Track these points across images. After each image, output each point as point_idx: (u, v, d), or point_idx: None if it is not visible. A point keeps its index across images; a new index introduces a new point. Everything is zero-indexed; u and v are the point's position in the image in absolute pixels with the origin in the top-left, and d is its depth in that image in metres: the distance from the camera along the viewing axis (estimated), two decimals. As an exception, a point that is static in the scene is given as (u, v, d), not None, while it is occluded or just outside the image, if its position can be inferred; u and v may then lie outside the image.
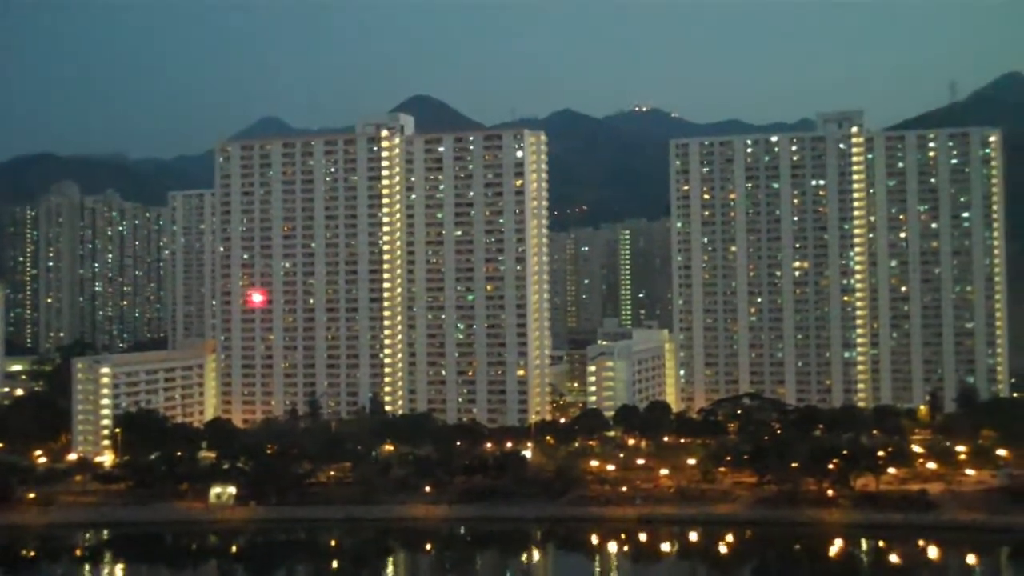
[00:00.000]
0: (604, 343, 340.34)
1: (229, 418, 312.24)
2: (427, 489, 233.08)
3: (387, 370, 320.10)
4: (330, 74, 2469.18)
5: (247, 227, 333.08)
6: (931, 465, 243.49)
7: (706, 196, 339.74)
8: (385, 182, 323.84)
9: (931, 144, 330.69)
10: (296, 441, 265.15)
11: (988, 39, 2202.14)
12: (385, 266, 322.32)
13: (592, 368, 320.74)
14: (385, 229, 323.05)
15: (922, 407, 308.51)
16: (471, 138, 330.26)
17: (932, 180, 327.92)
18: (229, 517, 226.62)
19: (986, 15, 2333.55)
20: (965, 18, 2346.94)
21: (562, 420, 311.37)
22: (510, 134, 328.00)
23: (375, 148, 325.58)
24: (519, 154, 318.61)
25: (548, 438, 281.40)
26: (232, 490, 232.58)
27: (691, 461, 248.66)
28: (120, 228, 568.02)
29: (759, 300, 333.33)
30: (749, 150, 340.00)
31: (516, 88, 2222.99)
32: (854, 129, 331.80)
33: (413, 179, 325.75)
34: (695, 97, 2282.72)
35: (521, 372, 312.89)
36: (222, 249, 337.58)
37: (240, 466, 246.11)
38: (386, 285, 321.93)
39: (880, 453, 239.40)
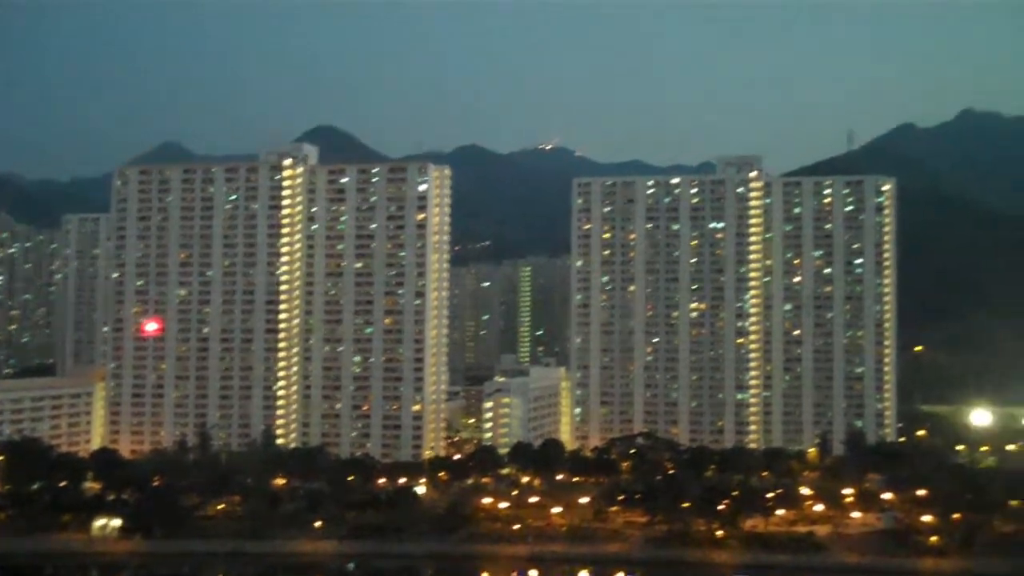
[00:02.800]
0: (501, 379, 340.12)
1: (116, 448, 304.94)
2: (317, 524, 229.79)
3: (281, 402, 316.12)
4: (234, 102, 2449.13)
5: (143, 253, 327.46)
6: (819, 507, 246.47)
7: (607, 235, 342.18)
8: (286, 212, 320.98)
9: (827, 191, 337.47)
10: (185, 473, 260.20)
11: (885, 90, 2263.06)
12: (283, 297, 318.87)
13: (488, 404, 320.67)
14: (284, 259, 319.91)
15: (811, 449, 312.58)
16: (375, 170, 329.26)
17: (827, 226, 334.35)
18: (112, 550, 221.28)
19: (884, 67, 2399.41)
20: (863, 69, 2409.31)
21: (457, 456, 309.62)
22: (414, 167, 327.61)
23: (277, 177, 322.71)
24: (423, 187, 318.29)
25: (442, 474, 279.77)
26: (117, 522, 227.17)
27: (584, 500, 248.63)
28: (11, 250, 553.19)
29: (656, 340, 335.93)
30: (650, 191, 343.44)
31: (422, 122, 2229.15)
32: (753, 174, 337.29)
33: (315, 209, 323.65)
34: (599, 137, 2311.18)
35: (417, 407, 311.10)
36: (116, 275, 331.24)
37: (126, 498, 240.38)
38: (283, 316, 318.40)
39: (769, 494, 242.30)
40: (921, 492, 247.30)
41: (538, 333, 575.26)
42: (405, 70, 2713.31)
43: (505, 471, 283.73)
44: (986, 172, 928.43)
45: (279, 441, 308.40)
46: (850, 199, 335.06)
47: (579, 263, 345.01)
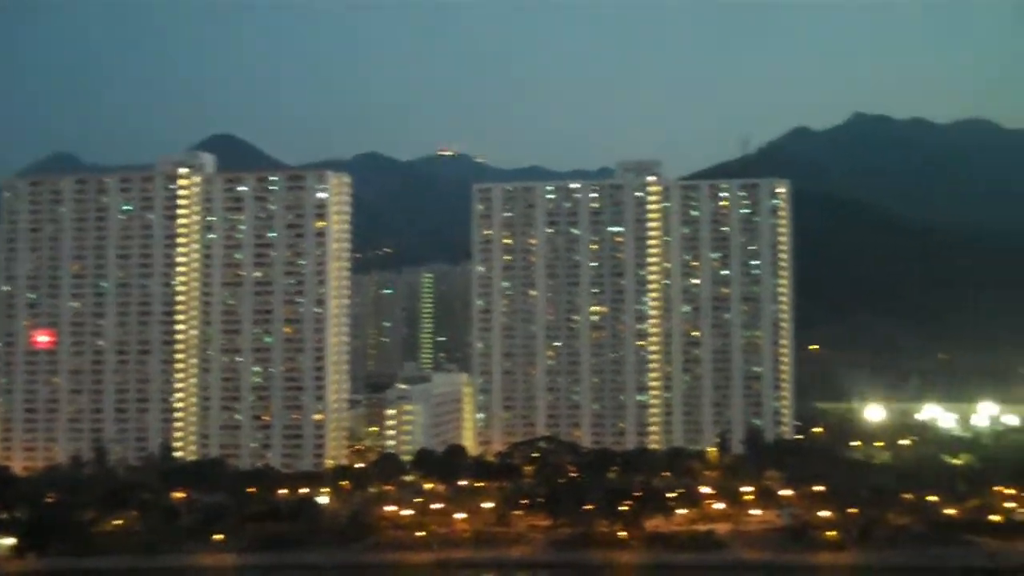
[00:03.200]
0: (403, 387, 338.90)
1: (9, 466, 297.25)
2: (217, 537, 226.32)
3: (178, 415, 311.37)
4: (127, 111, 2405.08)
5: (35, 265, 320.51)
6: (719, 506, 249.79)
7: (507, 241, 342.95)
8: (182, 221, 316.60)
9: (723, 194, 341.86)
10: (80, 489, 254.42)
11: (778, 95, 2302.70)
12: (179, 307, 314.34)
13: (391, 412, 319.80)
14: (181, 269, 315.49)
15: (711, 449, 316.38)
16: (273, 178, 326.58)
17: (724, 229, 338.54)
18: (6, 569, 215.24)
19: (777, 71, 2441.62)
20: (758, 73, 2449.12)
21: (359, 465, 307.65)
22: (313, 175, 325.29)
23: (172, 186, 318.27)
24: (322, 195, 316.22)
25: (344, 483, 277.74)
26: (10, 541, 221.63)
27: (487, 505, 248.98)
28: None
29: (557, 344, 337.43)
30: (550, 196, 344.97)
31: (322, 130, 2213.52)
32: (651, 178, 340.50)
33: (212, 219, 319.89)
34: (499, 143, 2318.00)
35: (318, 416, 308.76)
36: (7, 288, 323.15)
37: (19, 516, 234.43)
38: (180, 327, 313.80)
39: (671, 494, 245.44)
40: (818, 488, 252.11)
41: (440, 340, 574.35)
42: (304, 78, 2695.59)
43: (408, 478, 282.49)
44: (877, 174, 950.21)
45: (177, 454, 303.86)
46: (746, 202, 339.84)
47: (480, 269, 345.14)
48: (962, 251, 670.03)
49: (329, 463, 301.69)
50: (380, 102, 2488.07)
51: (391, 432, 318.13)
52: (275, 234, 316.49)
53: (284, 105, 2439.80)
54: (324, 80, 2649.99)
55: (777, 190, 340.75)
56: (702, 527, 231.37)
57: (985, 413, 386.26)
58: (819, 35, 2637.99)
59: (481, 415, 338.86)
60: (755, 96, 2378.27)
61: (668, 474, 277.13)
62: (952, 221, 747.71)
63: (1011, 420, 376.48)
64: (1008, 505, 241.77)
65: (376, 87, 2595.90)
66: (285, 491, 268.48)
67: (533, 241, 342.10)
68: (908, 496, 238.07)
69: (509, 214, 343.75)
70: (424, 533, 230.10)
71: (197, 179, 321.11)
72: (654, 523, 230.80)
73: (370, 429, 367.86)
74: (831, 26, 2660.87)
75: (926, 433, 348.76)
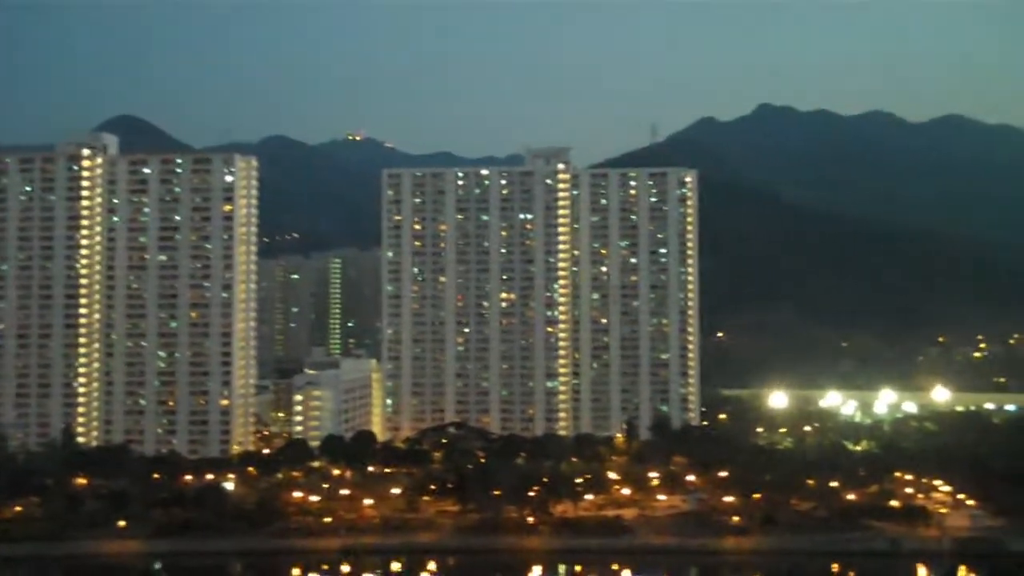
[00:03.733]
0: (311, 372, 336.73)
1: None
2: (121, 523, 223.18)
3: (81, 400, 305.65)
4: (26, 90, 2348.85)
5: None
6: (626, 491, 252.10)
7: (417, 227, 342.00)
8: (85, 203, 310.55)
9: (632, 182, 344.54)
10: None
11: (686, 85, 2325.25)
12: (82, 291, 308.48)
13: (299, 397, 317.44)
14: (84, 252, 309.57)
15: (619, 435, 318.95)
16: (179, 160, 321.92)
17: (633, 217, 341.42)
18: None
19: (686, 61, 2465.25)
20: (666, 63, 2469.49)
21: (266, 451, 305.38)
22: (220, 158, 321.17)
23: (75, 168, 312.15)
24: (229, 178, 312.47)
25: (251, 469, 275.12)
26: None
27: (396, 491, 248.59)
28: None
29: (466, 330, 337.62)
30: (460, 182, 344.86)
31: (229, 112, 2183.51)
32: (561, 166, 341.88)
33: (116, 201, 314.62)
34: (409, 128, 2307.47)
35: (224, 402, 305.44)
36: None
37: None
38: (83, 311, 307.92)
39: (579, 480, 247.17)
40: (723, 474, 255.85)
41: (349, 325, 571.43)
42: (210, 59, 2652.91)
43: (316, 464, 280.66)
44: (782, 164, 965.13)
45: (80, 440, 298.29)
46: (654, 190, 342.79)
47: (390, 255, 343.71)
48: (865, 241, 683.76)
49: (236, 449, 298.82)
50: (288, 85, 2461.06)
51: (299, 418, 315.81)
52: (181, 217, 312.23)
53: (189, 87, 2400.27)
54: (230, 62, 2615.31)
55: (685, 179, 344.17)
56: (610, 512, 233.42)
57: (885, 400, 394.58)
58: (726, 26, 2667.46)
59: (390, 401, 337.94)
60: (663, 86, 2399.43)
61: (576, 460, 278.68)
62: (855, 211, 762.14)
63: (910, 407, 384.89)
64: (907, 491, 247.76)
65: (284, 70, 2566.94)
66: (190, 477, 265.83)
67: (443, 227, 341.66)
68: (811, 482, 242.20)
69: (419, 200, 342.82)
70: (331, 519, 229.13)
71: (100, 161, 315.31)
72: (562, 508, 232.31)
73: (278, 415, 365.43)
74: (738, 18, 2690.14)
75: (828, 420, 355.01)
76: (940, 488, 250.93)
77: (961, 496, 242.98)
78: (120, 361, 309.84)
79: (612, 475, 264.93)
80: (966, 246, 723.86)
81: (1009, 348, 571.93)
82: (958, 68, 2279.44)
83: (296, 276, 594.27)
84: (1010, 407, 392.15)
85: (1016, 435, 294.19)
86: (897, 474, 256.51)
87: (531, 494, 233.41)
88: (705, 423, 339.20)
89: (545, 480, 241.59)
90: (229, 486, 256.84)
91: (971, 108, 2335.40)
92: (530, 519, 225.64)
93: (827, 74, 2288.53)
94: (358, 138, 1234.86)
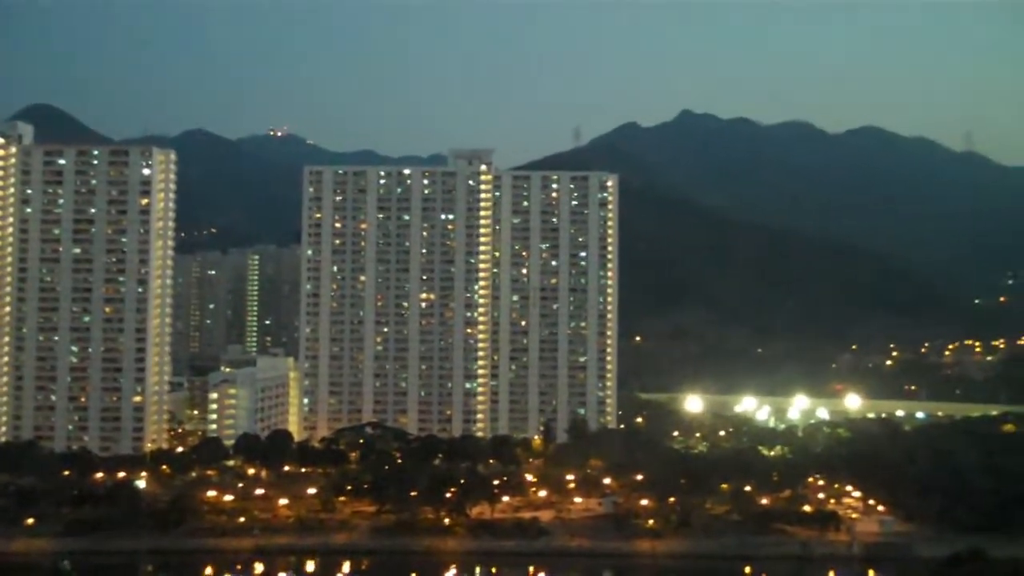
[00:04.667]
0: (227, 370, 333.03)
1: None
2: (30, 521, 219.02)
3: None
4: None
5: None
6: (543, 493, 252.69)
7: (338, 225, 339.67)
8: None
9: (554, 185, 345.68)
10: None
11: (610, 90, 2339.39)
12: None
13: (214, 395, 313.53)
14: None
15: (536, 437, 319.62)
16: (95, 152, 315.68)
17: (554, 220, 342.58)
18: None
19: (610, 65, 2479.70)
20: (590, 68, 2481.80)
21: (180, 449, 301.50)
22: (137, 151, 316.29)
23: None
24: (146, 172, 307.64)
25: (164, 467, 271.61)
26: None
27: (311, 491, 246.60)
28: None
29: (385, 330, 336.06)
30: (382, 181, 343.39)
31: (149, 105, 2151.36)
32: (483, 167, 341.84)
33: (29, 192, 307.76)
34: (332, 125, 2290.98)
35: (138, 399, 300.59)
36: None
37: None
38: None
39: (496, 482, 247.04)
40: (639, 477, 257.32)
41: (266, 323, 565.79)
42: (130, 50, 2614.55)
43: (231, 463, 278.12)
44: (702, 171, 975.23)
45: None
46: (576, 194, 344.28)
47: (309, 252, 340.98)
48: (782, 248, 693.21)
49: (149, 447, 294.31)
50: (210, 79, 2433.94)
51: (214, 416, 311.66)
52: (96, 210, 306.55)
53: (109, 78, 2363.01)
54: (151, 54, 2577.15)
55: (606, 183, 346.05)
56: (526, 514, 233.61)
57: (799, 406, 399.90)
58: (650, 32, 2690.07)
59: (307, 400, 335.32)
60: (588, 90, 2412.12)
61: (493, 461, 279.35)
62: (774, 219, 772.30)
63: (823, 414, 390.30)
64: (819, 496, 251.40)
65: (206, 64, 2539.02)
66: (102, 475, 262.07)
67: (364, 226, 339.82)
68: (725, 486, 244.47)
69: (340, 198, 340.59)
70: (245, 519, 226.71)
71: (14, 150, 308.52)
72: (479, 510, 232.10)
73: (192, 413, 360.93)
74: (662, 24, 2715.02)
75: (743, 425, 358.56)
76: (851, 494, 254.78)
77: (872, 502, 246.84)
78: (31, 356, 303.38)
79: (529, 477, 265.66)
80: (880, 255, 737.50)
81: (920, 356, 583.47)
82: (876, 81, 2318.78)
83: (213, 272, 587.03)
84: (920, 414, 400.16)
85: (925, 442, 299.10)
86: (810, 479, 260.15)
87: (448, 495, 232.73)
88: (622, 426, 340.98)
89: (462, 481, 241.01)
90: (141, 484, 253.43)
91: (889, 121, 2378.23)
92: (446, 520, 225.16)
93: (748, 83, 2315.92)
94: (280, 134, 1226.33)
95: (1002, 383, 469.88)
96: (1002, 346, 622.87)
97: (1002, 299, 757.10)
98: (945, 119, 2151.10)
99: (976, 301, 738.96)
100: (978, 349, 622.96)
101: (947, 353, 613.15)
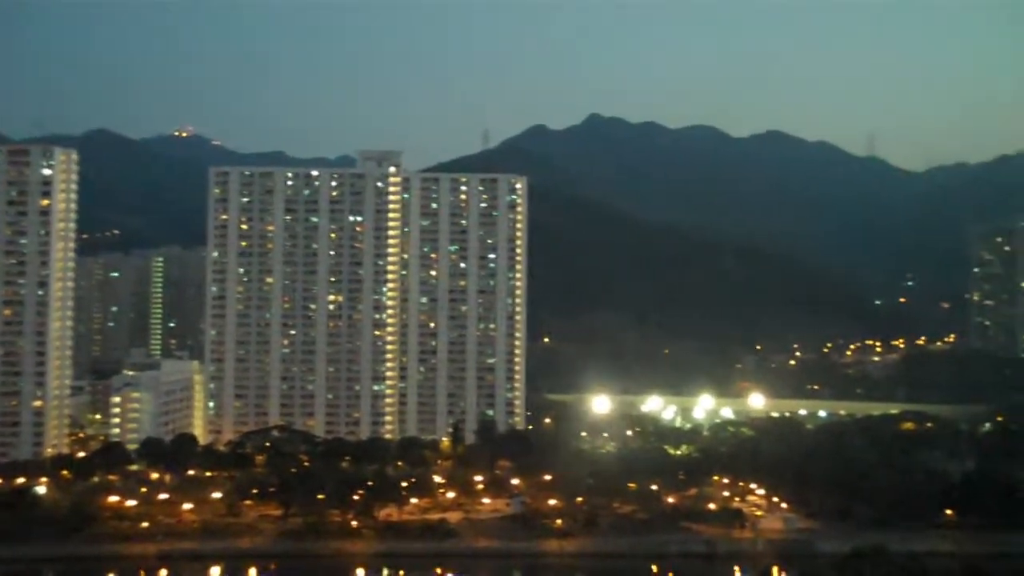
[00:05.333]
0: (130, 373, 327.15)
1: None
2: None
3: None
4: None
5: None
6: (451, 495, 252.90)
7: (244, 226, 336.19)
8: None
9: (463, 187, 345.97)
10: None
11: (519, 92, 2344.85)
12: None
13: (116, 399, 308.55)
14: None
15: (445, 439, 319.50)
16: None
17: (463, 222, 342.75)
18: None
19: (519, 67, 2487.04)
20: (500, 69, 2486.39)
21: (81, 454, 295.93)
22: (38, 150, 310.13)
23: None
24: (47, 172, 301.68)
25: (65, 472, 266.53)
26: None
27: (217, 495, 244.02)
28: None
29: (293, 332, 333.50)
30: (290, 183, 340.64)
31: (50, 104, 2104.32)
32: (392, 169, 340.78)
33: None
34: (238, 126, 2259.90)
35: (38, 403, 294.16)
36: None
37: None
38: None
39: (404, 484, 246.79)
40: (547, 477, 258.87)
41: (171, 326, 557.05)
42: (32, 48, 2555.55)
43: (134, 468, 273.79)
44: (611, 174, 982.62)
45: None
46: (485, 196, 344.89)
47: (215, 254, 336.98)
48: (689, 249, 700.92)
49: (49, 452, 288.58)
50: (114, 78, 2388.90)
51: (116, 420, 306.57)
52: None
53: (8, 76, 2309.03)
54: (53, 52, 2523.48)
55: (515, 185, 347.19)
56: (434, 516, 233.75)
57: (704, 406, 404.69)
58: (559, 34, 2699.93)
59: (212, 403, 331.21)
60: (496, 92, 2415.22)
61: (401, 463, 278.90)
62: (680, 221, 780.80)
63: (728, 413, 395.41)
64: (724, 494, 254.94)
65: (110, 61, 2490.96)
66: (0, 481, 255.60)
67: (271, 227, 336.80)
68: (632, 485, 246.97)
69: (247, 199, 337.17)
70: (149, 524, 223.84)
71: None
72: (387, 512, 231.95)
73: (94, 417, 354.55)
74: (570, 26, 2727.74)
75: (650, 425, 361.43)
76: (756, 491, 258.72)
77: (775, 499, 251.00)
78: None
79: (437, 479, 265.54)
80: (784, 257, 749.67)
81: (822, 356, 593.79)
82: (781, 86, 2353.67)
83: (116, 274, 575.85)
84: (822, 413, 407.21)
85: (827, 440, 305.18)
86: (715, 478, 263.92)
87: (355, 498, 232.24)
88: (530, 427, 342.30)
89: (370, 484, 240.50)
90: (41, 490, 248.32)
91: (793, 125, 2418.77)
92: (354, 523, 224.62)
93: (655, 87, 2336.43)
94: (185, 134, 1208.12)
95: (901, 382, 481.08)
96: (902, 346, 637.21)
97: (902, 300, 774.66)
98: (848, 124, 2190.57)
99: (877, 302, 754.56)
100: (879, 349, 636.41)
101: (849, 353, 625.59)
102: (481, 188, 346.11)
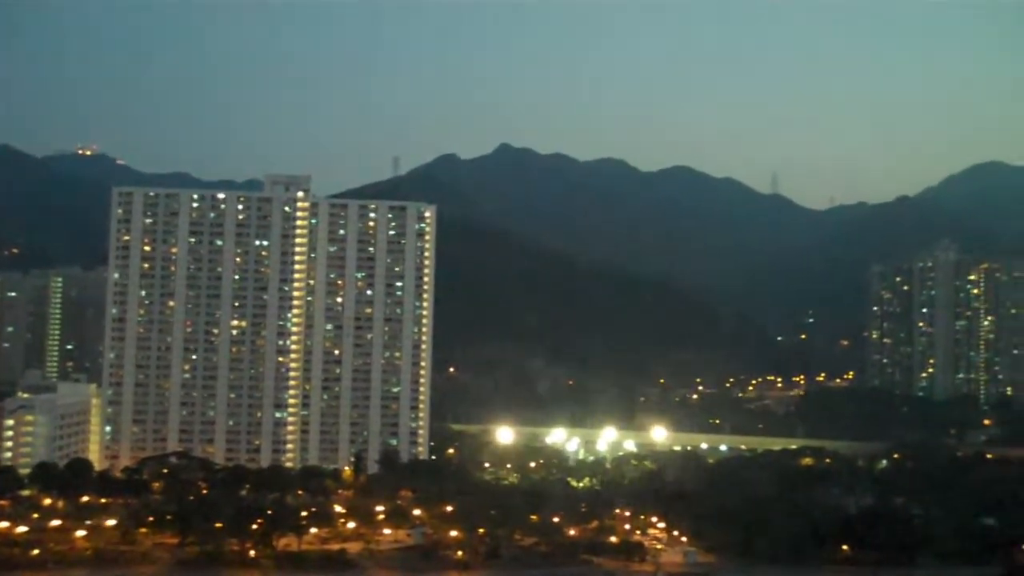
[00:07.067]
0: (25, 396, 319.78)
1: None
2: None
3: None
4: None
5: None
6: (352, 525, 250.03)
7: (147, 248, 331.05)
8: None
9: (372, 215, 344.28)
10: None
11: (430, 120, 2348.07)
12: None
13: (10, 422, 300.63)
14: None
15: (347, 468, 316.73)
16: None
17: (370, 249, 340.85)
18: None
19: (430, 96, 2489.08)
20: (411, 97, 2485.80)
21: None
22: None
23: None
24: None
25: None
26: None
27: (111, 522, 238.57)
28: None
29: (194, 357, 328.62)
30: (195, 205, 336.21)
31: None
32: (300, 193, 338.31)
33: None
34: (145, 146, 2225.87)
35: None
36: None
37: None
38: None
39: (304, 513, 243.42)
40: (449, 508, 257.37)
41: (68, 348, 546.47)
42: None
43: (26, 493, 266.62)
44: (520, 204, 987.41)
45: None
46: (393, 224, 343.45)
47: (116, 275, 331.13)
48: (596, 282, 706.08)
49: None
50: (16, 93, 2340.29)
51: (9, 444, 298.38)
52: None
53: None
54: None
55: (424, 214, 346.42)
56: (334, 546, 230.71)
57: (607, 438, 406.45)
58: (470, 65, 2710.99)
59: (109, 428, 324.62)
60: (407, 119, 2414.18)
61: (302, 492, 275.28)
62: (588, 254, 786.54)
63: (631, 446, 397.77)
64: (626, 527, 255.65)
65: (10, 75, 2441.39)
66: None
67: (174, 250, 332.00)
68: (534, 517, 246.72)
69: (151, 220, 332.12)
70: (40, 551, 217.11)
71: None
72: (286, 541, 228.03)
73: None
74: (482, 57, 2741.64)
75: (553, 457, 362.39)
76: (657, 525, 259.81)
77: (676, 533, 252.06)
78: None
79: (338, 508, 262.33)
80: (689, 292, 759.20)
81: (724, 391, 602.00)
82: (689, 122, 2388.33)
83: (13, 293, 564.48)
84: (723, 448, 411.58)
85: (727, 475, 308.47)
86: (617, 510, 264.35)
87: (254, 527, 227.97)
88: (433, 457, 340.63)
89: (269, 512, 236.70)
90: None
91: (700, 161, 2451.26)
92: (252, 553, 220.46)
93: (566, 119, 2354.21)
94: (89, 152, 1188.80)
95: (801, 418, 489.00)
96: (802, 382, 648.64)
97: (803, 337, 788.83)
98: (753, 162, 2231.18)
99: (779, 338, 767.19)
100: (779, 385, 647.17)
101: (750, 388, 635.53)
102: (390, 215, 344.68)
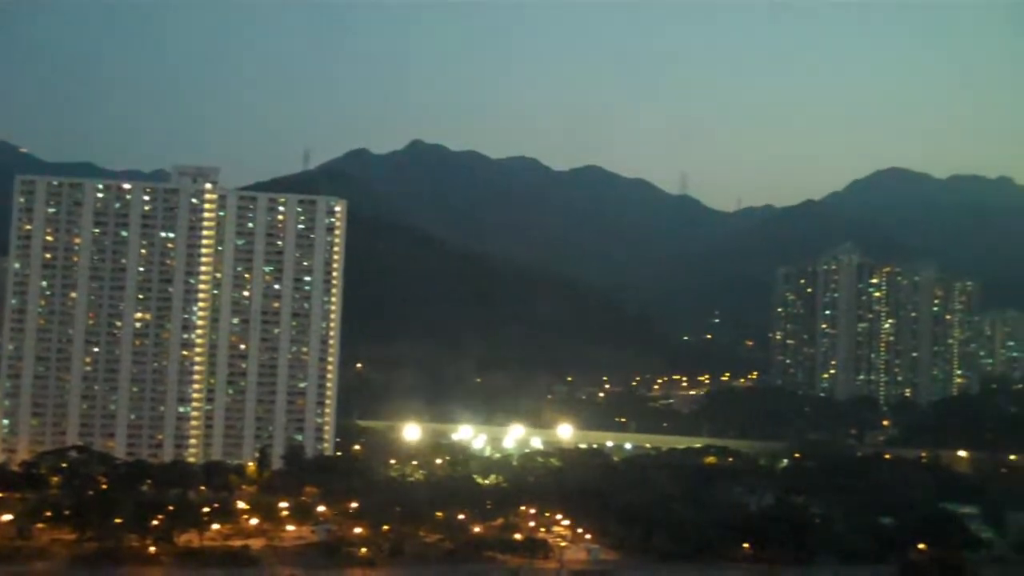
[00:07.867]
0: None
1: None
2: None
3: None
4: None
5: None
6: (255, 521, 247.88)
7: (49, 238, 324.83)
8: None
9: (281, 208, 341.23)
10: None
11: (341, 114, 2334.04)
12: None
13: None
14: None
15: (251, 464, 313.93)
16: None
17: (279, 243, 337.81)
18: None
19: (342, 90, 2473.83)
20: (323, 90, 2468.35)
21: None
22: None
23: None
24: None
25: None
26: None
27: (7, 517, 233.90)
28: None
29: (96, 350, 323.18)
30: (100, 195, 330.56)
31: None
32: (208, 185, 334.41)
33: None
34: (48, 134, 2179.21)
35: None
36: None
37: None
38: None
39: (206, 509, 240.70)
40: (354, 505, 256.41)
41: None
42: None
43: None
44: (431, 200, 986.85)
45: None
46: (303, 217, 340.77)
47: (17, 266, 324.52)
48: (505, 279, 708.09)
49: None
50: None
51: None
52: None
53: None
54: None
55: (334, 208, 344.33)
56: (236, 542, 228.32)
57: (514, 436, 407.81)
58: (383, 59, 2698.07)
59: (6, 421, 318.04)
60: (318, 112, 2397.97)
61: (205, 488, 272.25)
62: (499, 251, 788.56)
63: (537, 443, 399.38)
64: (531, 524, 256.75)
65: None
66: None
67: (78, 240, 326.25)
68: (440, 514, 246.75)
69: (53, 210, 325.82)
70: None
71: None
72: (187, 538, 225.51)
73: None
74: (394, 52, 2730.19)
75: (459, 454, 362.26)
76: (561, 522, 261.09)
77: (580, 530, 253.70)
78: None
79: (241, 504, 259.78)
80: (597, 290, 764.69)
81: (630, 389, 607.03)
82: (599, 121, 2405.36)
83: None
84: (628, 446, 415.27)
85: (632, 473, 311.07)
86: (522, 508, 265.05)
87: (155, 523, 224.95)
88: (339, 453, 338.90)
89: (170, 508, 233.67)
90: None
91: (611, 161, 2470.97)
92: (152, 549, 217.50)
93: (479, 116, 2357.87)
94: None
95: (706, 417, 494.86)
96: (707, 381, 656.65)
97: (708, 336, 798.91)
98: (663, 163, 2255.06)
99: (685, 338, 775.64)
100: (684, 384, 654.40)
101: (656, 387, 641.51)
102: (299, 209, 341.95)
